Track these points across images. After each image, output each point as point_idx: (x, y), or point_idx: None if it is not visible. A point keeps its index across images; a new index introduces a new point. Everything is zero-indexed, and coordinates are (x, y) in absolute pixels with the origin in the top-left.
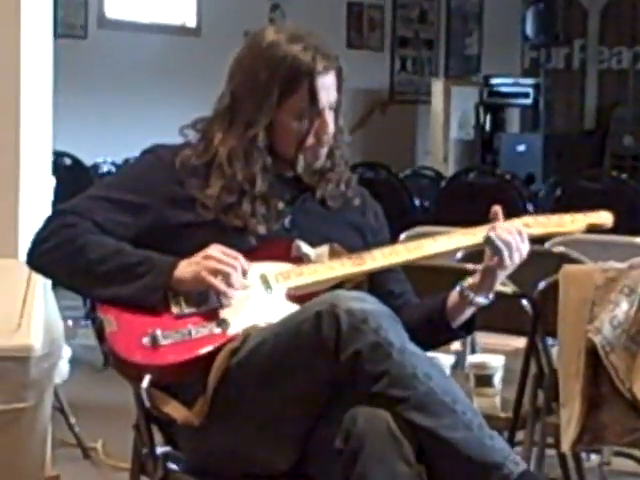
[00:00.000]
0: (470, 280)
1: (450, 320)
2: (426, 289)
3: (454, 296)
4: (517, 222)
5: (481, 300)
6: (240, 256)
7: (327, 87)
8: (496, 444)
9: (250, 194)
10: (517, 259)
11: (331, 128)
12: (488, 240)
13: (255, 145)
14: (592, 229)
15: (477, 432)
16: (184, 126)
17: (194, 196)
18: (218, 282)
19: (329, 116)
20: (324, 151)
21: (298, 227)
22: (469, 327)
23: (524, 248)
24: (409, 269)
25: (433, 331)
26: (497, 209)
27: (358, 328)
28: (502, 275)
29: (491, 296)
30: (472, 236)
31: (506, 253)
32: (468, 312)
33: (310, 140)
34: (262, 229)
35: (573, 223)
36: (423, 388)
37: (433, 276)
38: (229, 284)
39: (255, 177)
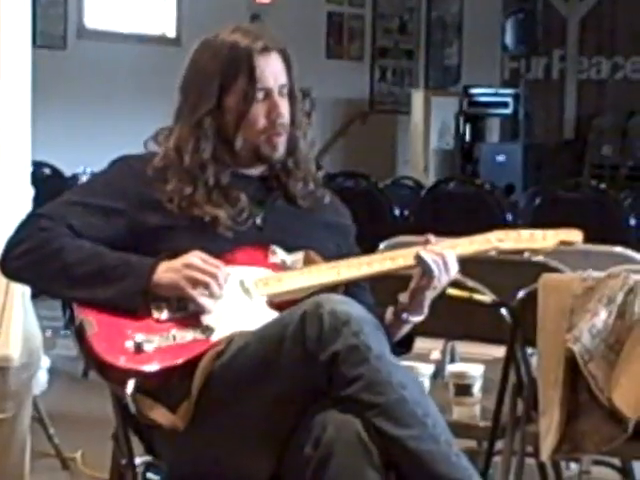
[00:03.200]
0: (401, 299)
1: (389, 337)
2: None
3: (389, 314)
4: (488, 236)
5: (414, 319)
6: (220, 264)
7: (270, 68)
8: (462, 462)
9: (203, 180)
10: (445, 280)
11: (283, 111)
12: (419, 259)
13: (201, 131)
14: (563, 245)
15: (444, 447)
16: (147, 139)
17: (160, 198)
18: (197, 294)
19: (280, 100)
20: (281, 141)
21: (270, 226)
22: (408, 343)
23: (452, 269)
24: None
25: None
26: (429, 236)
27: (339, 330)
28: (431, 295)
29: (425, 313)
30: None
31: (435, 273)
32: (405, 329)
33: (262, 122)
34: (223, 214)
35: (544, 240)
36: (395, 396)
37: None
38: (209, 294)
39: (205, 164)
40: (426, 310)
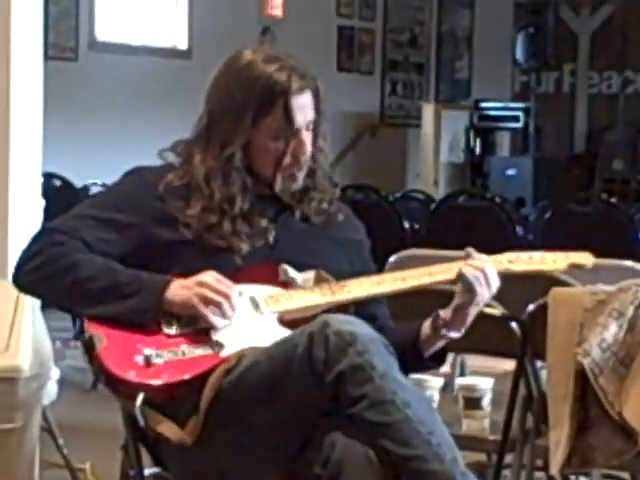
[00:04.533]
0: (442, 314)
1: (422, 350)
2: (409, 310)
3: (427, 327)
4: (499, 258)
5: (453, 335)
6: (233, 285)
7: (303, 107)
8: None
9: (230, 214)
10: (487, 295)
11: (308, 148)
12: (461, 276)
13: (232, 165)
14: (573, 268)
15: (449, 466)
16: (163, 149)
17: (177, 216)
18: (209, 313)
19: (306, 136)
20: (302, 174)
21: (282, 244)
22: (440, 358)
23: (494, 285)
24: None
25: (405, 358)
26: (469, 250)
27: (344, 350)
28: (474, 311)
29: (463, 330)
30: (449, 271)
31: (477, 288)
32: (439, 344)
33: (287, 160)
34: (245, 247)
35: (555, 262)
36: (399, 415)
37: (416, 297)
38: (221, 314)
39: (234, 197)
40: (466, 327)
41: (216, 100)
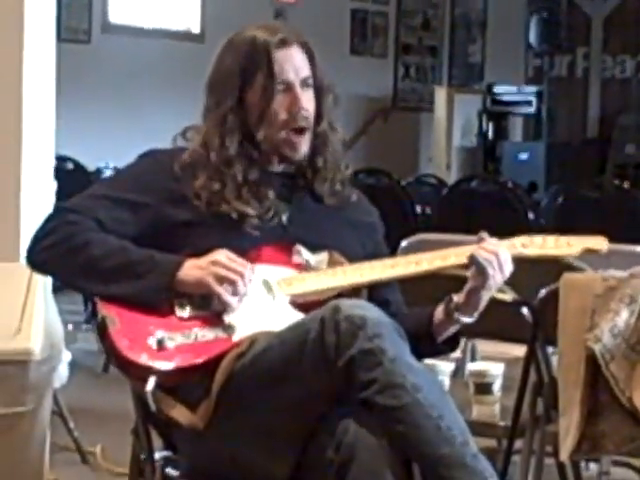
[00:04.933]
0: (455, 298)
1: (435, 335)
2: (422, 295)
3: (440, 312)
4: (513, 241)
5: (466, 319)
6: (247, 263)
7: (291, 60)
8: (478, 465)
9: (232, 179)
10: (499, 279)
11: (305, 104)
12: (473, 259)
13: (226, 127)
14: (588, 253)
15: (459, 450)
16: (175, 135)
17: (190, 195)
18: (223, 291)
19: (302, 92)
20: (302, 140)
21: (295, 224)
22: (453, 343)
23: (507, 269)
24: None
25: (418, 344)
26: (483, 234)
27: (355, 334)
28: (486, 296)
29: (476, 315)
30: (463, 255)
31: (490, 272)
32: (452, 329)
33: (282, 116)
34: (252, 213)
35: (569, 246)
36: (409, 399)
37: (430, 282)
38: (234, 292)
39: (231, 160)
40: (479, 312)
41: (210, 76)
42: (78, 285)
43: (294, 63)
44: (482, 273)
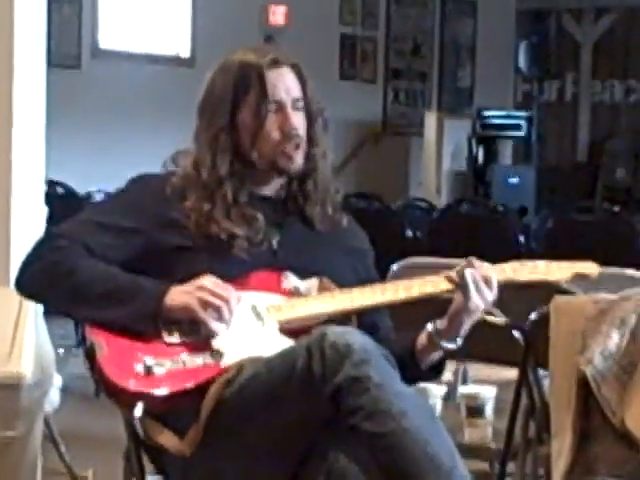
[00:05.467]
0: (438, 323)
1: (420, 361)
2: (412, 320)
3: (423, 338)
4: (504, 266)
5: (447, 345)
6: (232, 290)
7: (282, 81)
8: None
9: (220, 197)
10: (481, 304)
11: (296, 124)
12: (458, 273)
13: (217, 146)
14: (578, 278)
15: (447, 475)
16: (166, 160)
17: (180, 220)
18: (208, 317)
19: (293, 113)
20: (298, 152)
21: (285, 250)
22: (438, 369)
23: (489, 295)
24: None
25: (404, 369)
26: (471, 258)
27: (341, 362)
28: (468, 320)
29: (459, 341)
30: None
31: (472, 290)
32: (436, 354)
33: (275, 135)
34: (241, 233)
35: (560, 271)
36: (395, 425)
37: (420, 307)
38: (219, 318)
39: (222, 179)
40: (461, 338)
41: (202, 99)
42: (66, 311)
43: (285, 83)
44: (463, 290)
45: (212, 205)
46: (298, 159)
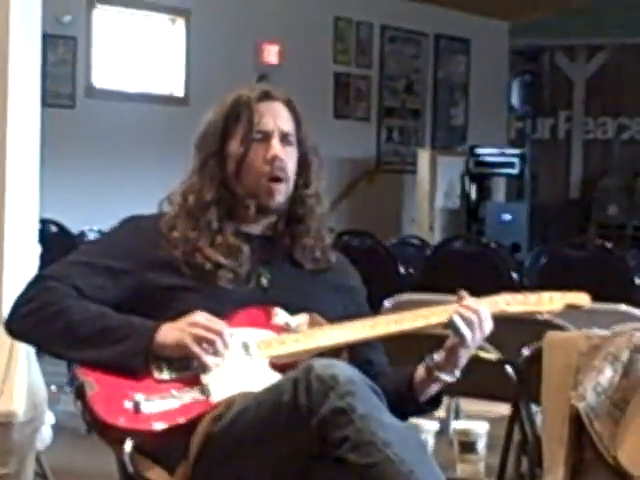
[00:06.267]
0: (435, 357)
1: (417, 394)
2: (402, 355)
3: (421, 371)
4: (495, 299)
5: (446, 378)
6: (224, 324)
7: (271, 113)
8: None
9: (205, 223)
10: (479, 338)
11: (280, 154)
12: (451, 323)
13: (205, 172)
14: (570, 309)
15: None
16: (161, 200)
17: (171, 260)
18: (202, 352)
19: (282, 147)
20: (279, 188)
21: (275, 287)
22: (436, 402)
23: (487, 327)
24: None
25: (401, 403)
26: (463, 294)
27: (326, 394)
28: (466, 354)
29: (457, 373)
30: (443, 314)
31: (467, 334)
32: (434, 387)
33: (259, 165)
34: (225, 263)
35: (551, 302)
36: (380, 456)
37: (410, 342)
38: (214, 352)
39: (208, 205)
40: (459, 370)
41: (199, 133)
42: (56, 352)
43: (274, 115)
44: (459, 335)
45: (198, 233)
46: (278, 196)
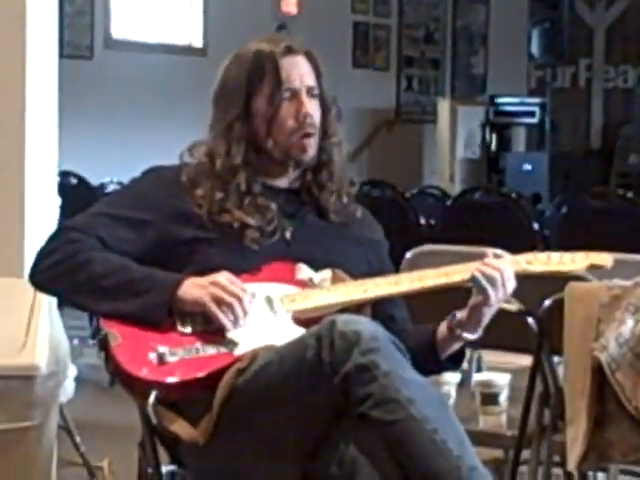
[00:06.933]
0: (458, 315)
1: (439, 351)
2: (428, 310)
3: (443, 329)
4: (517, 258)
5: (469, 336)
6: (246, 288)
7: (297, 68)
8: (474, 478)
9: (234, 186)
10: (502, 296)
11: (311, 111)
12: (473, 279)
13: (232, 135)
14: (592, 269)
15: (455, 463)
16: (182, 151)
17: (193, 211)
18: (219, 313)
19: (308, 100)
20: (310, 142)
21: (299, 241)
22: (458, 360)
23: (510, 285)
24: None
25: (422, 361)
26: (485, 250)
27: (349, 350)
28: (489, 312)
29: (480, 331)
30: (466, 272)
31: (491, 292)
32: (456, 345)
33: (290, 123)
34: (253, 224)
35: (574, 262)
36: (403, 413)
37: (435, 297)
38: (232, 315)
39: (237, 169)
40: (482, 329)
41: (216, 90)
42: (79, 303)
43: (300, 71)
44: (482, 292)
45: (225, 194)
46: (311, 150)
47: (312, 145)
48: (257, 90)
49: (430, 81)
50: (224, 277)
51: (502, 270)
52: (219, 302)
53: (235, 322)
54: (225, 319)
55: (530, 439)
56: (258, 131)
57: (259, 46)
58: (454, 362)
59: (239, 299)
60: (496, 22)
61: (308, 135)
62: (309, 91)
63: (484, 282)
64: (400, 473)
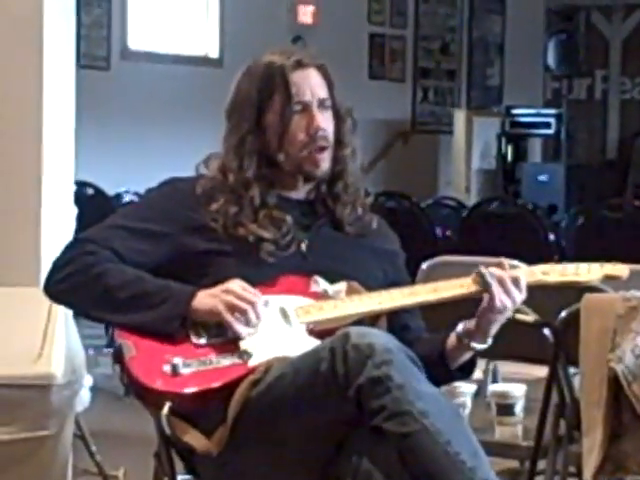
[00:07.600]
0: (467, 324)
1: (449, 361)
2: (442, 321)
3: (453, 339)
4: (533, 269)
5: (477, 346)
6: (259, 293)
7: (307, 82)
8: None
9: (248, 200)
10: (508, 303)
11: (322, 124)
12: (479, 274)
13: (244, 149)
14: (608, 280)
15: (468, 475)
16: (198, 163)
17: (209, 224)
18: (233, 320)
19: (320, 113)
20: (323, 156)
21: (314, 253)
22: (468, 370)
23: (517, 295)
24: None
25: (433, 370)
26: (502, 260)
27: (363, 363)
28: (496, 321)
29: (489, 341)
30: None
31: (495, 289)
32: (466, 355)
33: (301, 137)
34: (268, 237)
35: (590, 273)
36: (416, 426)
37: (447, 308)
38: (245, 321)
39: (250, 182)
40: (490, 338)
41: (229, 103)
42: (94, 315)
43: (310, 84)
44: (488, 289)
45: (239, 208)
46: (324, 164)
47: (325, 159)
48: (268, 104)
49: (446, 92)
50: (236, 284)
51: (511, 274)
52: (232, 309)
53: (249, 327)
54: (239, 326)
55: (546, 450)
56: (270, 145)
57: (270, 59)
58: (464, 372)
59: (252, 304)
60: (512, 33)
61: (321, 149)
62: (321, 103)
63: (489, 277)
64: None
